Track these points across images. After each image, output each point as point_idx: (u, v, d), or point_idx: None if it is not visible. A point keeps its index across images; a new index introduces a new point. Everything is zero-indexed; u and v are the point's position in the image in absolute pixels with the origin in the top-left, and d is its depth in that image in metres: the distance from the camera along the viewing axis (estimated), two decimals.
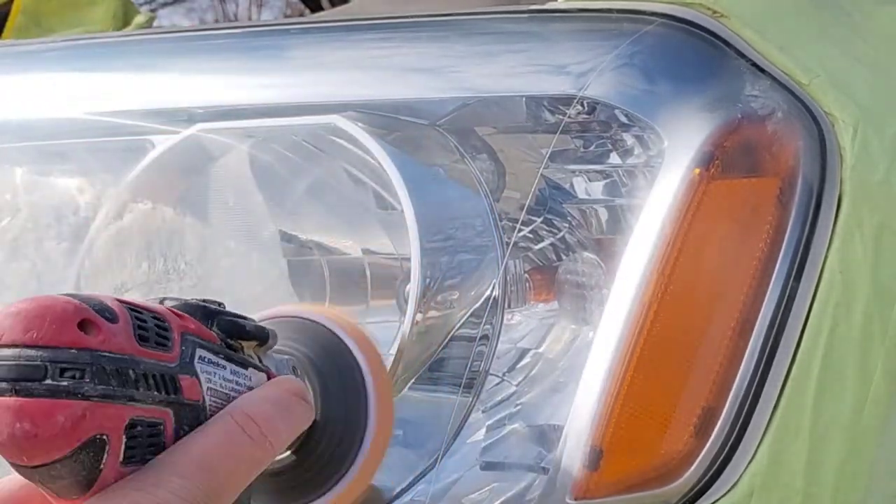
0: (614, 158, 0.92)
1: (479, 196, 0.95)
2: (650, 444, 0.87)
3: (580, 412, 0.86)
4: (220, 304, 0.75)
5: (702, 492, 0.88)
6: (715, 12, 0.94)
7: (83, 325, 0.63)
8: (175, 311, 0.70)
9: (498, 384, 0.92)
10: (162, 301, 0.72)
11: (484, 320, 0.92)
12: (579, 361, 0.88)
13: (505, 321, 0.93)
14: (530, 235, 0.94)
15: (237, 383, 0.72)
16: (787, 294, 0.89)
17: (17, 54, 1.36)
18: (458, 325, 0.92)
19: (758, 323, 0.88)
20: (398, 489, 0.91)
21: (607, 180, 0.92)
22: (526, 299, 0.93)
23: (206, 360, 0.70)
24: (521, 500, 0.88)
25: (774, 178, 0.90)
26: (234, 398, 0.71)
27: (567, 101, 0.92)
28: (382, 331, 0.97)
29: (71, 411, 0.61)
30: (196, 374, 0.69)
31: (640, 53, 0.93)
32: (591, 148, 0.92)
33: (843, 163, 0.92)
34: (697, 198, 0.87)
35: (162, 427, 0.66)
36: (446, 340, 0.92)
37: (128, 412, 0.64)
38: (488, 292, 0.92)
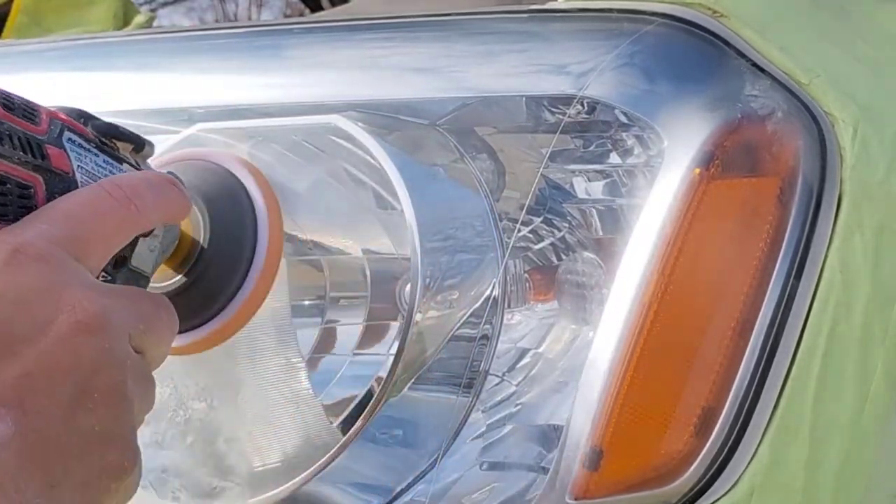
0: (614, 158, 0.92)
1: (479, 196, 0.95)
2: (650, 444, 0.87)
3: (580, 412, 0.86)
4: (99, 117, 0.78)
5: (702, 492, 0.88)
6: (715, 12, 0.94)
7: None
8: (48, 108, 0.73)
9: (498, 384, 0.92)
10: None
11: (484, 320, 0.92)
12: (579, 361, 0.88)
13: (505, 321, 0.93)
14: (530, 235, 0.94)
15: (111, 172, 0.75)
16: (787, 294, 0.89)
17: (17, 54, 1.36)
18: (458, 325, 0.92)
19: (758, 323, 0.88)
20: (398, 489, 0.91)
21: (607, 180, 0.92)
22: (526, 299, 0.93)
23: (75, 142, 0.73)
24: (521, 500, 0.88)
25: (774, 177, 0.90)
26: None
27: (567, 100, 0.92)
28: (382, 331, 0.97)
29: None
30: (64, 149, 0.72)
31: (641, 53, 0.93)
32: (591, 148, 0.92)
33: (843, 163, 0.92)
34: (697, 198, 0.87)
35: (33, 191, 0.69)
36: (446, 340, 0.92)
37: None
38: (488, 292, 0.92)
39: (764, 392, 0.88)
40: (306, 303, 1.01)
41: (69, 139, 0.73)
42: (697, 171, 0.88)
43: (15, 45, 1.54)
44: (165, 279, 0.84)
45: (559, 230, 0.93)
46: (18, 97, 0.71)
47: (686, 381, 0.88)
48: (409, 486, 0.91)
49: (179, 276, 0.83)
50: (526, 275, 0.93)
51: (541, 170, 0.93)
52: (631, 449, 0.87)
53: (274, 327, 0.99)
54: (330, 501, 0.93)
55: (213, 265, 0.82)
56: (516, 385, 0.92)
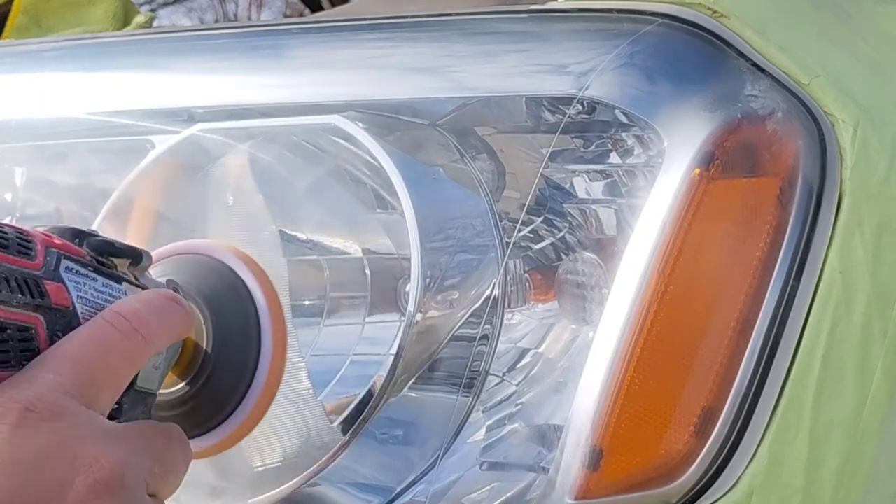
0: (614, 158, 0.92)
1: (479, 196, 0.95)
2: (650, 444, 0.87)
3: (580, 412, 0.86)
4: (94, 231, 0.76)
5: (702, 492, 0.88)
6: (715, 12, 0.94)
7: None
8: (41, 231, 0.72)
9: (498, 384, 0.92)
10: (33, 228, 0.73)
11: (484, 320, 0.92)
12: (579, 361, 0.88)
13: (505, 321, 0.93)
14: (530, 235, 0.94)
15: (110, 295, 0.73)
16: (787, 294, 0.89)
17: (17, 54, 1.36)
18: (458, 325, 0.92)
19: (758, 323, 0.88)
20: (398, 489, 0.91)
21: (607, 180, 0.92)
22: (526, 299, 0.93)
23: (73, 270, 0.71)
24: (521, 500, 0.88)
25: (774, 178, 0.90)
26: None
27: (567, 101, 0.92)
28: (382, 331, 0.97)
29: None
30: (62, 281, 0.70)
31: (641, 53, 0.93)
32: (591, 148, 0.92)
33: (843, 163, 0.92)
34: (697, 198, 0.87)
35: (34, 332, 0.67)
36: (446, 340, 0.92)
37: None
38: (488, 292, 0.92)
39: (764, 392, 0.88)
40: (306, 303, 1.01)
41: (67, 268, 0.71)
42: (697, 171, 0.88)
43: (15, 45, 1.54)
44: (170, 386, 0.82)
45: (559, 230, 0.93)
46: (11, 229, 0.69)
47: (686, 381, 0.88)
48: (409, 486, 0.91)
49: (184, 384, 0.81)
50: (526, 275, 0.93)
51: (541, 170, 0.93)
52: (631, 449, 0.87)
53: None
54: (330, 501, 0.93)
55: (218, 370, 0.80)
56: (516, 385, 0.92)
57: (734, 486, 0.87)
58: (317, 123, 0.98)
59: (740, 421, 0.88)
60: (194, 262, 0.84)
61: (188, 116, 1.05)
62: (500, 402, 0.92)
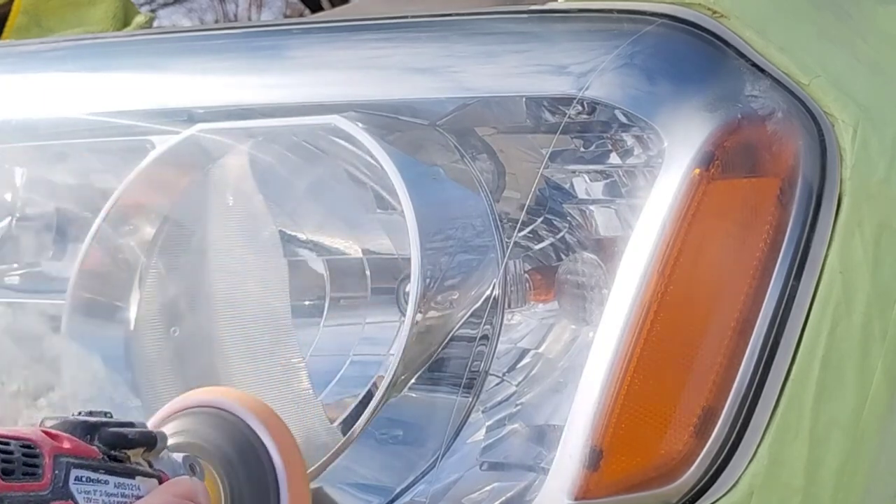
0: (614, 158, 0.92)
1: (479, 196, 0.95)
2: (650, 444, 0.87)
3: (580, 412, 0.86)
4: (106, 413, 0.75)
5: (702, 492, 0.88)
6: (715, 12, 0.94)
7: None
8: (50, 432, 0.70)
9: (498, 384, 0.92)
10: (42, 422, 0.72)
11: (484, 320, 0.92)
12: (579, 361, 0.88)
13: (505, 321, 0.93)
14: (530, 235, 0.94)
15: (122, 495, 0.72)
16: (787, 294, 0.89)
17: (18, 54, 1.36)
18: (458, 325, 0.92)
19: (758, 323, 0.88)
20: (398, 489, 0.91)
21: (607, 180, 0.92)
22: (526, 299, 0.93)
23: (83, 479, 0.69)
24: (521, 500, 0.88)
25: (774, 178, 0.90)
26: None
27: (567, 101, 0.92)
28: (382, 331, 0.97)
29: None
30: (72, 497, 0.68)
31: (641, 53, 0.93)
32: (591, 148, 0.92)
33: (843, 163, 0.92)
34: (697, 198, 0.87)
35: None
36: (446, 340, 0.92)
37: None
38: (488, 292, 0.92)
39: (764, 392, 0.88)
40: (306, 303, 1.01)
41: (76, 479, 0.69)
42: (697, 171, 0.88)
43: (15, 45, 1.54)
44: None
45: (559, 230, 0.93)
46: (17, 444, 0.67)
47: (686, 381, 0.87)
48: (409, 486, 0.91)
49: None
50: (526, 275, 0.93)
51: (541, 170, 0.93)
52: (631, 449, 0.87)
53: (274, 327, 0.99)
54: (330, 501, 0.93)
55: None
56: (516, 385, 0.92)
57: (734, 486, 0.87)
58: (317, 124, 0.98)
59: (740, 421, 0.88)
60: (211, 418, 0.82)
61: (188, 116, 1.05)
62: (500, 402, 0.92)
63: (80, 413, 0.74)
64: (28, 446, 0.68)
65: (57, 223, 1.16)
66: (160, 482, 0.75)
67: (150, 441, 0.75)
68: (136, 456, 0.75)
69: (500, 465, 0.90)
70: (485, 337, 0.92)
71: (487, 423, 0.92)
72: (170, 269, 1.05)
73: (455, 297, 0.92)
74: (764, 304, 0.88)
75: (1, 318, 1.13)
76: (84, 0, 1.78)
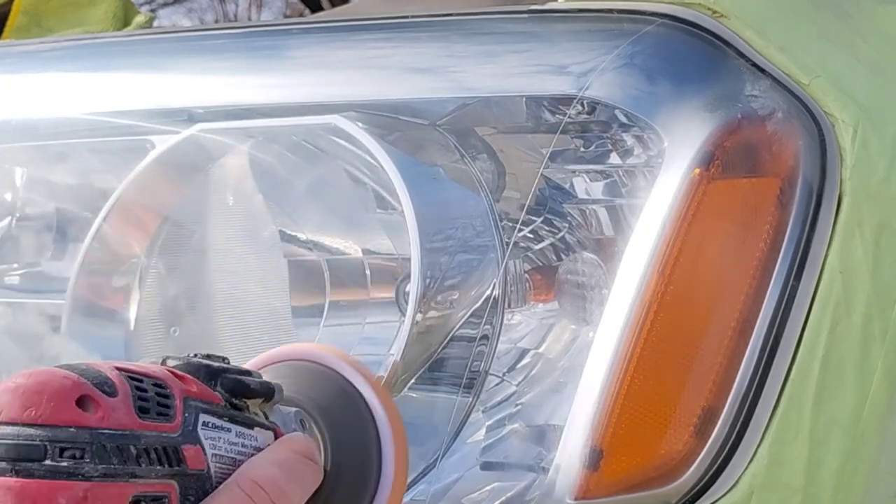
0: (614, 158, 0.92)
1: (479, 196, 0.95)
2: (650, 444, 0.87)
3: (580, 412, 0.86)
4: (223, 358, 0.74)
5: (702, 492, 0.88)
6: (715, 12, 0.94)
7: (82, 401, 0.62)
8: (176, 372, 0.69)
9: (498, 384, 0.92)
10: (164, 361, 0.71)
11: (484, 320, 0.92)
12: (579, 361, 0.88)
13: (505, 321, 0.93)
14: (530, 235, 0.94)
15: (243, 445, 0.71)
16: (787, 294, 0.89)
17: (17, 54, 1.36)
18: (458, 325, 0.92)
19: (758, 323, 0.88)
20: None
21: (607, 180, 0.92)
22: (526, 299, 0.93)
23: (209, 424, 0.69)
24: (521, 500, 0.88)
25: (774, 178, 0.90)
26: (241, 461, 0.70)
27: (567, 101, 0.92)
28: (382, 331, 0.97)
29: (72, 493, 0.60)
30: (200, 442, 0.67)
31: (641, 53, 0.93)
32: (591, 148, 0.92)
33: (843, 163, 0.92)
34: (697, 198, 0.87)
35: (167, 500, 0.65)
36: (446, 340, 0.92)
37: (130, 489, 0.63)
38: (488, 292, 0.92)
39: (764, 392, 0.88)
40: (306, 303, 1.01)
41: (204, 424, 0.68)
42: (697, 171, 0.88)
43: (15, 45, 1.54)
44: None
45: (559, 230, 0.93)
46: (150, 381, 0.66)
47: (686, 381, 0.87)
48: (409, 486, 0.91)
49: None
50: (526, 275, 0.93)
51: (541, 170, 0.93)
52: (631, 449, 0.87)
53: (274, 327, 0.99)
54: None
55: (338, 492, 0.77)
56: (516, 385, 0.92)
57: (734, 486, 0.87)
58: (317, 123, 0.98)
59: (740, 421, 0.88)
60: (310, 372, 0.80)
61: (188, 116, 1.05)
62: (500, 402, 0.92)
63: (196, 354, 0.73)
64: (160, 385, 0.67)
65: (57, 223, 1.16)
66: (276, 435, 0.74)
67: (269, 392, 0.74)
68: (253, 406, 0.74)
69: (500, 465, 0.90)
70: (485, 337, 0.92)
71: (487, 423, 0.92)
72: (170, 269, 1.05)
73: (455, 297, 0.92)
74: (764, 304, 0.88)
75: (1, 318, 1.13)
76: (84, 0, 1.78)
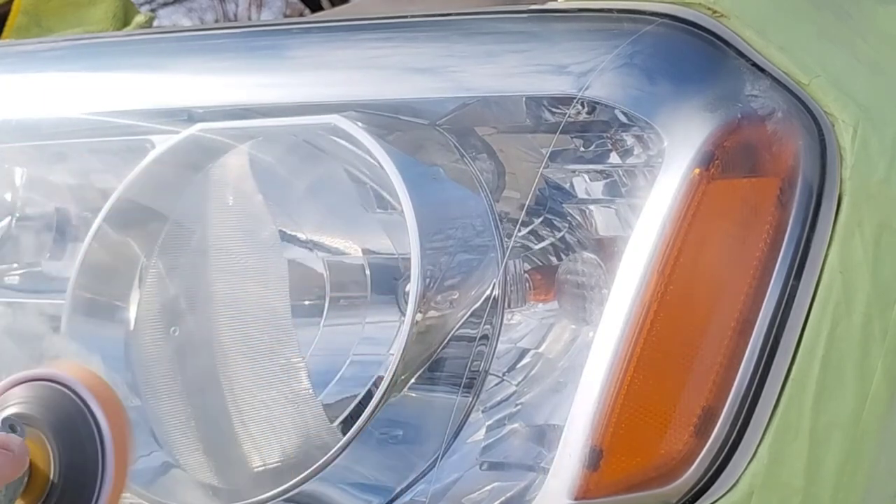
0: (614, 158, 0.92)
1: (479, 196, 0.95)
2: (650, 444, 0.87)
3: (580, 412, 0.86)
4: None
5: (702, 492, 0.88)
6: (715, 12, 0.94)
7: None
8: None
9: (498, 384, 0.92)
10: None
11: (484, 320, 0.92)
12: (579, 361, 0.88)
13: (505, 321, 0.93)
14: (530, 235, 0.94)
15: None
16: (787, 294, 0.89)
17: (17, 54, 1.36)
18: (458, 325, 0.92)
19: (758, 323, 0.88)
20: (398, 489, 0.91)
21: (607, 180, 0.92)
22: (526, 299, 0.93)
23: None
24: (521, 500, 0.88)
25: (774, 178, 0.90)
26: None
27: (567, 101, 0.92)
28: (382, 331, 0.97)
29: None
30: None
31: (641, 53, 0.93)
32: (591, 148, 0.92)
33: (843, 163, 0.92)
34: (697, 198, 0.87)
35: None
36: (446, 340, 0.92)
37: None
38: (488, 292, 0.92)
39: (764, 392, 0.88)
40: (306, 303, 1.01)
41: None
42: (697, 171, 0.88)
43: (15, 45, 1.54)
44: None
45: (559, 230, 0.93)
46: None
47: (686, 381, 0.87)
48: (409, 486, 0.91)
49: None
50: (526, 275, 0.93)
51: (541, 170, 0.93)
52: (631, 449, 0.87)
53: (274, 327, 0.99)
54: (330, 501, 0.93)
55: (64, 498, 0.84)
56: (516, 385, 0.92)
57: (734, 486, 0.87)
58: (317, 123, 0.98)
59: (740, 421, 0.88)
60: (43, 389, 0.87)
61: (188, 116, 1.05)
62: (500, 402, 0.92)
63: None
64: None
65: (57, 223, 1.16)
66: None
67: None
68: None
69: (500, 465, 0.90)
70: (485, 337, 0.92)
71: (487, 423, 0.92)
72: (170, 269, 1.05)
73: (455, 296, 0.92)
74: (764, 304, 0.88)
75: (1, 318, 1.13)
76: (84, 0, 1.78)
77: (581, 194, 0.93)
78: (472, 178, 0.95)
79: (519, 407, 0.91)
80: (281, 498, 0.92)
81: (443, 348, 0.92)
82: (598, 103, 0.91)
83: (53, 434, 0.84)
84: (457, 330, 0.92)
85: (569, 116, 0.92)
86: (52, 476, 0.83)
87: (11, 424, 0.83)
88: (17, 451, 0.81)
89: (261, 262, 1.02)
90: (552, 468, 0.87)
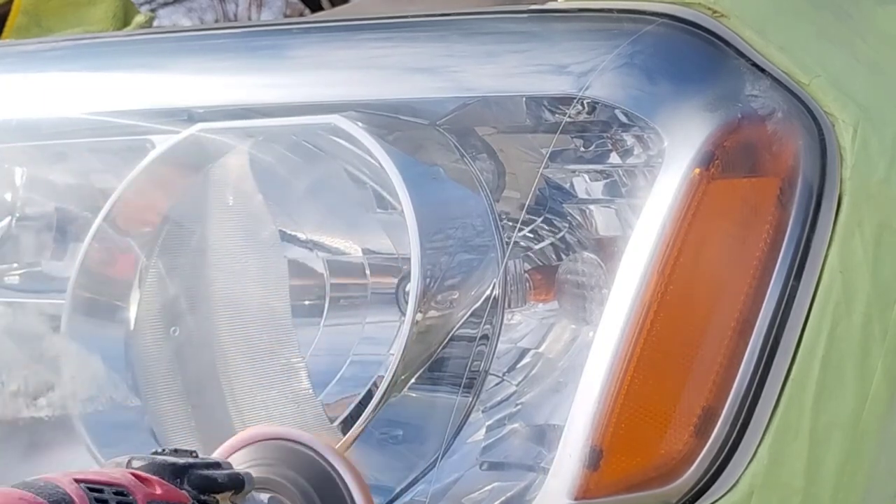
0: (614, 158, 0.92)
1: (479, 196, 0.95)
2: (650, 444, 0.87)
3: (580, 412, 0.86)
4: (192, 452, 0.74)
5: (702, 492, 0.88)
6: (715, 12, 0.94)
7: None
8: (140, 474, 0.69)
9: (498, 384, 0.92)
10: (129, 462, 0.71)
11: (484, 320, 0.92)
12: (579, 361, 0.88)
13: (505, 321, 0.93)
14: (530, 235, 0.94)
15: None
16: (787, 294, 0.89)
17: (18, 54, 1.36)
18: (458, 324, 0.92)
19: (758, 323, 0.88)
20: (398, 489, 0.91)
21: (607, 180, 0.92)
22: (526, 299, 0.93)
23: None
24: (521, 500, 0.88)
25: (774, 178, 0.90)
26: None
27: (567, 101, 0.92)
28: (382, 331, 0.97)
29: None
30: None
31: (641, 53, 0.93)
32: (592, 148, 0.92)
33: (843, 163, 0.92)
34: (697, 198, 0.87)
35: None
36: (446, 340, 0.92)
37: None
38: (488, 292, 0.92)
39: (764, 392, 0.88)
40: (306, 303, 1.01)
41: None
42: (697, 171, 0.88)
43: (15, 45, 1.54)
44: None
45: (559, 230, 0.93)
46: (111, 490, 0.66)
47: (686, 381, 0.87)
48: (409, 486, 0.91)
49: None
50: (526, 275, 0.93)
51: (541, 170, 0.93)
52: (631, 449, 0.87)
53: (274, 327, 0.99)
54: None
55: None
56: (516, 385, 0.92)
57: (734, 486, 0.87)
58: (317, 123, 0.98)
59: (740, 421, 0.88)
60: (284, 450, 0.82)
61: (188, 116, 1.05)
62: (500, 402, 0.92)
63: (164, 450, 0.74)
64: (121, 493, 0.67)
65: (57, 223, 1.16)
66: None
67: (239, 484, 0.75)
68: (223, 500, 0.74)
69: (500, 465, 0.90)
70: (485, 337, 0.92)
71: (487, 423, 0.92)
72: (170, 269, 1.05)
73: (455, 296, 0.92)
74: (764, 304, 0.88)
75: (1, 318, 1.13)
76: (84, 0, 1.78)
77: (581, 194, 0.93)
78: (472, 178, 0.95)
79: (519, 407, 0.91)
80: None
81: (443, 348, 0.92)
82: (598, 103, 0.91)
83: (304, 500, 0.80)
84: (457, 330, 0.92)
85: (569, 116, 0.92)
86: None
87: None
88: None
89: (261, 262, 1.02)
90: (552, 468, 0.87)
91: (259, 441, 0.82)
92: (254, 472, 0.79)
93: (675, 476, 0.87)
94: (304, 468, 0.81)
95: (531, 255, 0.94)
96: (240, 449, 0.82)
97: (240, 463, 0.80)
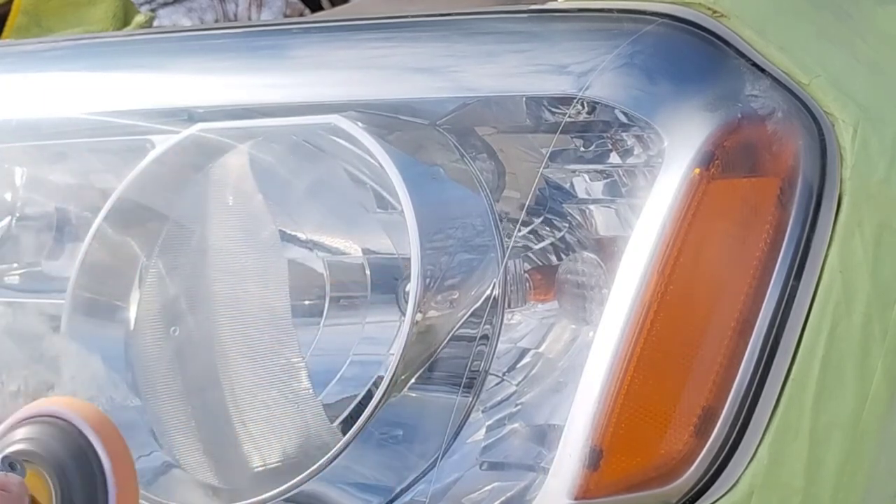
0: (614, 158, 0.92)
1: (479, 196, 0.95)
2: (650, 444, 0.87)
3: (580, 412, 0.86)
4: None
5: (702, 492, 0.88)
6: (715, 12, 0.94)
7: None
8: None
9: (498, 384, 0.92)
10: None
11: (484, 320, 0.92)
12: (579, 361, 0.88)
13: (505, 321, 0.93)
14: (530, 235, 0.94)
15: None
16: (787, 294, 0.89)
17: (17, 54, 1.36)
18: (458, 325, 0.92)
19: (758, 323, 0.88)
20: (398, 489, 0.91)
21: (607, 180, 0.92)
22: (526, 299, 0.93)
23: None
24: (521, 500, 0.88)
25: (774, 178, 0.90)
26: None
27: (567, 101, 0.92)
28: (382, 331, 0.97)
29: None
30: None
31: (641, 53, 0.93)
32: (592, 148, 0.92)
33: (843, 163, 0.92)
34: (697, 198, 0.87)
35: None
36: (446, 340, 0.92)
37: None
38: (488, 292, 0.92)
39: (764, 392, 0.88)
40: (306, 303, 1.01)
41: None
42: (697, 171, 0.88)
43: (15, 45, 1.54)
44: None
45: (559, 230, 0.93)
46: None
47: (686, 381, 0.88)
48: (409, 486, 0.91)
49: None
50: (526, 275, 0.93)
51: (541, 170, 0.93)
52: (631, 449, 0.87)
53: (274, 327, 0.99)
54: (330, 501, 0.94)
55: None
56: (516, 385, 0.92)
57: (734, 486, 0.87)
58: (317, 123, 0.98)
59: (740, 421, 0.88)
60: (44, 426, 0.87)
61: (188, 116, 1.05)
62: (500, 402, 0.92)
63: None
64: None
65: (57, 223, 1.16)
66: None
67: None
68: None
69: (500, 465, 0.90)
70: (485, 337, 0.92)
71: (487, 423, 0.92)
72: (170, 269, 1.05)
73: (455, 296, 0.92)
74: (764, 304, 0.88)
75: (1, 318, 1.13)
76: (84, 0, 1.78)
77: (581, 194, 0.93)
78: (472, 178, 0.95)
79: (519, 407, 0.91)
80: (281, 498, 0.92)
81: (443, 348, 0.92)
82: (598, 103, 0.91)
83: (54, 471, 0.84)
84: (457, 330, 0.92)
85: (569, 116, 0.92)
86: None
87: (11, 463, 0.83)
88: (16, 490, 0.81)
89: (261, 262, 1.02)
90: (552, 468, 0.87)
91: (36, 417, 0.88)
92: (24, 446, 0.85)
93: (675, 476, 0.87)
94: (63, 441, 0.86)
95: (531, 255, 0.94)
96: (18, 425, 0.87)
97: (17, 439, 0.86)
